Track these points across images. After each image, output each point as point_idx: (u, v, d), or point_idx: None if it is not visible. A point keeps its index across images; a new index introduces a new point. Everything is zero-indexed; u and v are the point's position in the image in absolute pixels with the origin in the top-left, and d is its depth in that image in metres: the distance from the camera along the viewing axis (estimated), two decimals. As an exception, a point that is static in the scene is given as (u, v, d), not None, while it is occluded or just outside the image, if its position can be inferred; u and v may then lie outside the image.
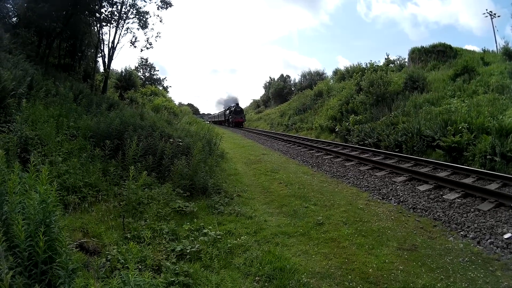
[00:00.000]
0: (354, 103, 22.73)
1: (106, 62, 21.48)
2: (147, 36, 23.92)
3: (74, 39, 21.65)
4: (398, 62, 32.88)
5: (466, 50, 26.19)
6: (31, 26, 17.30)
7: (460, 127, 12.20)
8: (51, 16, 16.77)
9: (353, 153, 13.86)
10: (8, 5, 17.69)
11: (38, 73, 12.13)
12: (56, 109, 9.19)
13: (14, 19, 17.83)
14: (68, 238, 3.13)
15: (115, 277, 3.09)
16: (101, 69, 24.00)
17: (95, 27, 21.28)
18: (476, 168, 9.73)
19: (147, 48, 22.94)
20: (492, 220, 5.84)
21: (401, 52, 57.45)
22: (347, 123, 20.14)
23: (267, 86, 69.12)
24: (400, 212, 6.52)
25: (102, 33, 21.07)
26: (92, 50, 23.22)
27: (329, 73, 51.97)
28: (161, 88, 52.19)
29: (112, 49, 20.88)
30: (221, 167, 10.34)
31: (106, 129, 8.23)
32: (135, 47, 22.60)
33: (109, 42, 21.05)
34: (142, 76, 52.98)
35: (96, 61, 23.29)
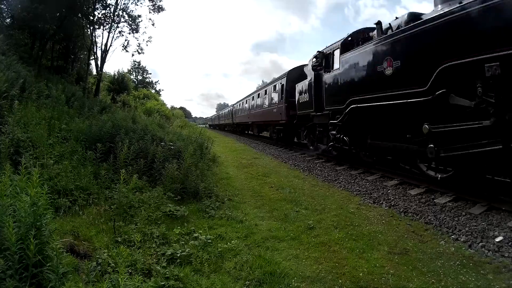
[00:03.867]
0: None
1: (99, 65, 21.57)
2: (138, 41, 24.09)
3: (67, 42, 21.71)
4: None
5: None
6: (25, 27, 17.35)
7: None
8: (45, 17, 16.75)
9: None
10: (2, 6, 17.65)
11: (30, 75, 12.14)
12: (48, 111, 9.17)
13: (8, 20, 17.79)
14: (58, 241, 3.14)
15: (105, 281, 3.10)
16: (94, 71, 24.05)
17: (88, 30, 21.33)
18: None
19: (138, 53, 23.15)
20: (483, 223, 5.83)
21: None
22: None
23: (260, 90, 68.97)
24: (391, 216, 6.54)
25: (95, 35, 21.15)
26: (85, 53, 23.32)
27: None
28: (153, 91, 52.19)
29: (105, 52, 20.95)
30: (213, 171, 10.35)
31: (98, 132, 8.24)
32: (127, 51, 22.74)
33: (102, 44, 21.22)
34: (134, 79, 53.00)
35: (89, 64, 23.35)
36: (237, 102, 39.32)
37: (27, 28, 17.58)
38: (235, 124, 40.26)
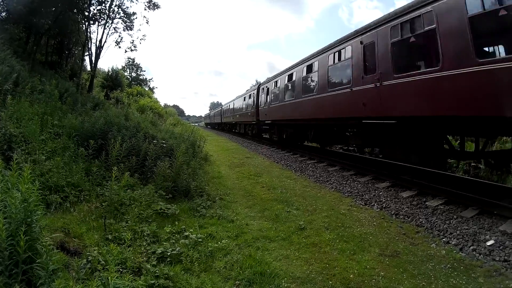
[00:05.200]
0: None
1: (93, 61, 21.45)
2: (132, 38, 24.09)
3: (62, 37, 21.58)
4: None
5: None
6: (20, 22, 17.23)
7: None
8: (41, 12, 16.66)
9: (336, 159, 13.91)
10: None
11: (24, 69, 12.10)
12: (41, 106, 9.13)
13: (4, 14, 17.68)
14: (49, 238, 3.14)
15: (95, 278, 3.10)
16: (88, 67, 23.93)
17: (83, 25, 21.22)
18: (460, 175, 9.79)
19: (131, 50, 23.16)
20: (475, 227, 5.85)
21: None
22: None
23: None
24: (382, 218, 6.57)
25: (90, 31, 21.03)
26: (80, 48, 23.17)
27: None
28: (147, 88, 52.05)
29: (100, 48, 20.84)
30: (205, 169, 10.34)
31: (91, 128, 8.23)
32: (119, 47, 22.73)
33: (96, 40, 21.08)
34: (128, 76, 52.80)
35: (83, 60, 23.17)
36: (273, 79, 20.95)
37: (22, 23, 17.47)
38: (267, 124, 21.59)
